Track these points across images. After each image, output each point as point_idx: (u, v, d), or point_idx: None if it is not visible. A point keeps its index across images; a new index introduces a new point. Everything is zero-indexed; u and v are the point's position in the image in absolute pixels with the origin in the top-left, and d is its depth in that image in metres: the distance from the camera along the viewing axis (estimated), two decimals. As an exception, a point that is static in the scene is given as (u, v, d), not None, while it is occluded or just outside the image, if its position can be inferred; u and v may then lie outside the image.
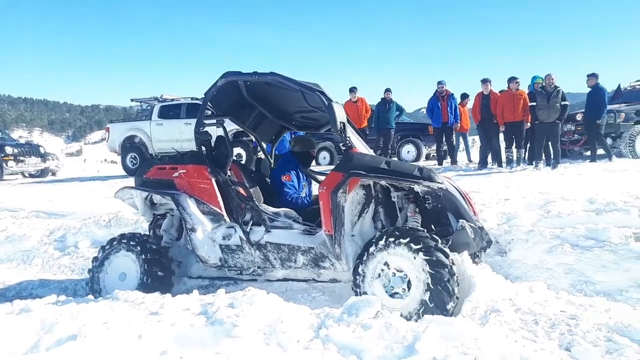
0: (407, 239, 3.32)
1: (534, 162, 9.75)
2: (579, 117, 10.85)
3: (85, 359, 2.26)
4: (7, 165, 14.34)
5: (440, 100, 10.99)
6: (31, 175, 15.80)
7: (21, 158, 14.81)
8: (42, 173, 15.81)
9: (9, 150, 14.51)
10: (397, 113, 11.51)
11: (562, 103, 9.18)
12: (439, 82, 11.12)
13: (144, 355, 2.33)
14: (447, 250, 3.31)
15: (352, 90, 11.48)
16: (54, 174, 16.34)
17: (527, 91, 9.96)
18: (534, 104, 9.45)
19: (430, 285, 3.16)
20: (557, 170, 8.95)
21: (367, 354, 2.30)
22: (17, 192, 11.38)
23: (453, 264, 3.27)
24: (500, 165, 10.15)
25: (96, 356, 2.29)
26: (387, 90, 11.34)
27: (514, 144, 9.85)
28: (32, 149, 15.70)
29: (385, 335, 2.42)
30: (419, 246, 3.27)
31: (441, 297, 3.13)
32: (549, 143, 9.64)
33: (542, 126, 9.41)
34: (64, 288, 4.96)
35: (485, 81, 10.04)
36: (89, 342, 2.43)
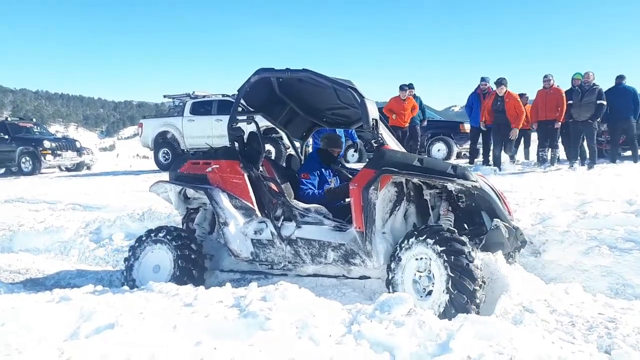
0: (424, 236, 3.32)
1: (568, 162, 9.49)
2: None
3: (122, 347, 2.32)
4: (45, 159, 14.78)
5: (481, 98, 10.35)
6: (67, 169, 16.27)
7: (58, 152, 15.25)
8: (78, 167, 16.26)
9: (47, 144, 14.96)
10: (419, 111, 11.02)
11: (598, 102, 8.83)
12: (482, 79, 10.51)
13: (179, 345, 2.38)
14: (463, 238, 3.27)
15: (403, 88, 10.37)
16: (89, 167, 16.80)
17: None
18: (571, 102, 9.19)
19: (450, 273, 3.13)
20: (594, 170, 8.69)
21: (400, 350, 2.29)
22: (55, 185, 11.74)
23: (471, 249, 3.22)
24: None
25: (133, 345, 2.35)
26: (410, 86, 10.64)
27: (548, 143, 9.58)
28: (68, 144, 16.16)
29: (418, 333, 2.40)
30: (434, 239, 3.26)
31: (463, 282, 3.09)
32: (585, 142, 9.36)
33: (576, 125, 9.13)
34: (100, 279, 5.11)
35: (499, 83, 9.53)
36: (126, 331, 2.50)
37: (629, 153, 10.22)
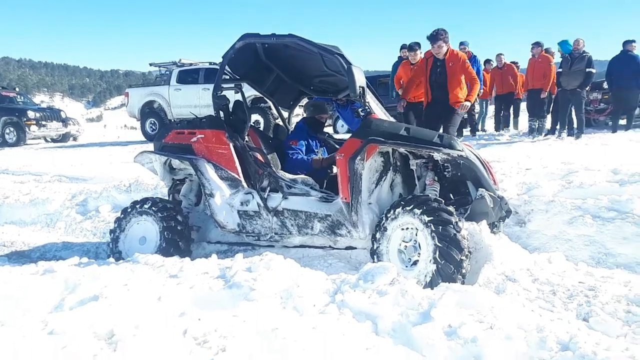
0: (411, 206, 3.33)
1: (556, 132, 9.52)
2: (605, 85, 10.48)
3: (107, 318, 2.32)
4: (29, 129, 14.55)
5: None
6: (53, 140, 16.05)
7: (43, 122, 15.00)
8: (64, 138, 16.05)
9: (31, 114, 14.69)
10: None
11: (587, 70, 8.71)
12: (461, 43, 9.96)
13: (164, 316, 2.39)
14: (451, 209, 3.29)
15: (413, 48, 7.45)
16: (75, 139, 16.58)
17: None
18: (560, 70, 9.13)
19: (438, 243, 3.16)
20: (581, 140, 8.74)
21: (382, 319, 2.32)
22: (40, 156, 11.60)
23: (458, 219, 3.25)
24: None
25: (117, 316, 2.35)
26: (404, 47, 8.66)
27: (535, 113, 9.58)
28: (53, 114, 15.87)
29: (400, 302, 2.43)
30: (421, 209, 3.27)
31: (450, 252, 3.13)
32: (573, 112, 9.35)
33: (564, 93, 9.08)
34: (86, 251, 5.09)
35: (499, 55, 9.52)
36: (111, 302, 2.50)
37: (622, 122, 10.15)
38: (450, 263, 3.12)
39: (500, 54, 11.40)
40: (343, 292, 2.61)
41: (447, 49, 5.55)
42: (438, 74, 5.63)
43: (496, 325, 2.16)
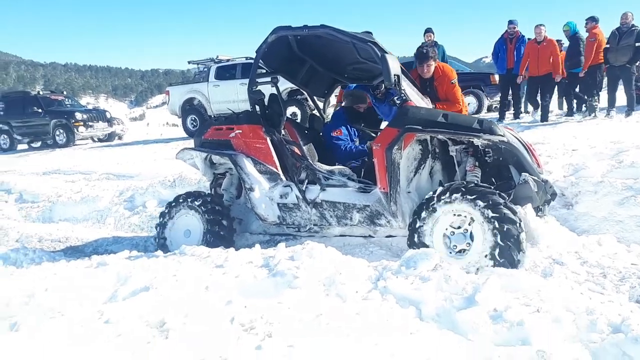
0: (474, 196, 3.18)
1: (605, 110, 9.11)
2: None
3: (158, 308, 2.42)
4: (77, 130, 15.13)
5: (508, 43, 9.42)
6: (99, 140, 16.63)
7: (90, 123, 15.57)
8: (110, 137, 16.61)
9: (79, 116, 15.28)
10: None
11: (637, 45, 8.24)
12: (510, 22, 9.46)
13: (211, 304, 2.47)
14: (515, 207, 3.18)
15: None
16: (120, 137, 17.15)
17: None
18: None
19: (500, 242, 3.07)
20: (632, 118, 8.33)
21: (425, 305, 2.31)
22: (88, 155, 12.09)
23: (521, 220, 3.15)
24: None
25: (168, 305, 2.45)
26: (429, 31, 9.20)
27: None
28: (99, 115, 16.45)
29: (444, 287, 2.42)
30: (485, 202, 3.14)
31: (510, 252, 3.05)
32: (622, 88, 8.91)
33: (613, 70, 8.67)
34: (135, 244, 5.29)
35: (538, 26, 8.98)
36: (161, 292, 2.60)
37: None
38: (509, 262, 3.05)
39: (540, 25, 8.99)
40: (385, 278, 2.61)
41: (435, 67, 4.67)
42: (429, 94, 4.56)
43: (543, 309, 2.12)
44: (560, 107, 11.31)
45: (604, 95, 9.55)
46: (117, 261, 3.41)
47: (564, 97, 10.89)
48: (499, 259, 3.06)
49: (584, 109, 9.40)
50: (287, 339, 2.08)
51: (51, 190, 7.83)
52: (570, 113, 9.70)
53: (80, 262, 3.53)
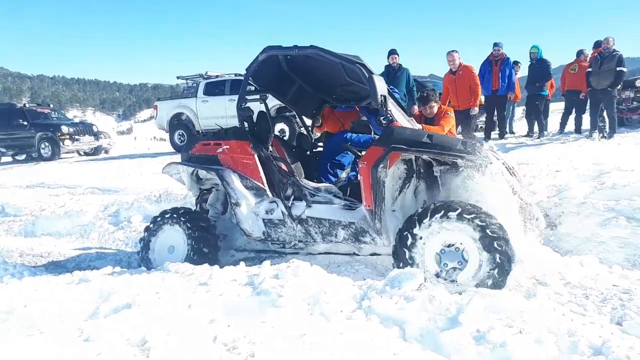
0: (472, 215, 3.16)
1: (588, 132, 9.29)
2: (638, 83, 10.19)
3: (139, 325, 2.39)
4: (63, 144, 14.99)
5: (493, 65, 9.71)
6: (85, 153, 16.48)
7: (76, 137, 15.45)
8: (96, 151, 16.47)
9: (65, 129, 15.16)
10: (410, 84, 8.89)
11: (618, 69, 8.52)
12: (495, 44, 9.77)
13: (194, 323, 2.44)
14: (503, 225, 3.18)
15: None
16: (106, 151, 17.01)
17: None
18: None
19: (497, 261, 3.06)
20: (613, 140, 8.51)
21: (409, 325, 2.32)
22: (73, 169, 11.95)
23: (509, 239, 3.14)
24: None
25: (150, 323, 2.42)
26: (393, 53, 8.71)
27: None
28: (86, 128, 16.34)
29: (428, 307, 2.42)
30: (482, 223, 3.12)
31: (500, 281, 3.06)
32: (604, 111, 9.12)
33: (594, 93, 8.91)
34: (118, 260, 5.22)
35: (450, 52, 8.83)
36: (143, 310, 2.57)
37: None
38: (496, 287, 3.05)
39: (453, 52, 8.88)
40: (370, 298, 2.61)
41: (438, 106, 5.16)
42: None
43: (526, 330, 2.13)
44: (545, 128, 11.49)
45: (586, 117, 9.78)
46: (100, 277, 3.36)
47: (530, 118, 10.91)
48: (498, 277, 3.06)
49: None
50: (270, 358, 2.06)
51: (34, 204, 7.72)
52: (530, 134, 10.11)
53: (62, 278, 3.47)
